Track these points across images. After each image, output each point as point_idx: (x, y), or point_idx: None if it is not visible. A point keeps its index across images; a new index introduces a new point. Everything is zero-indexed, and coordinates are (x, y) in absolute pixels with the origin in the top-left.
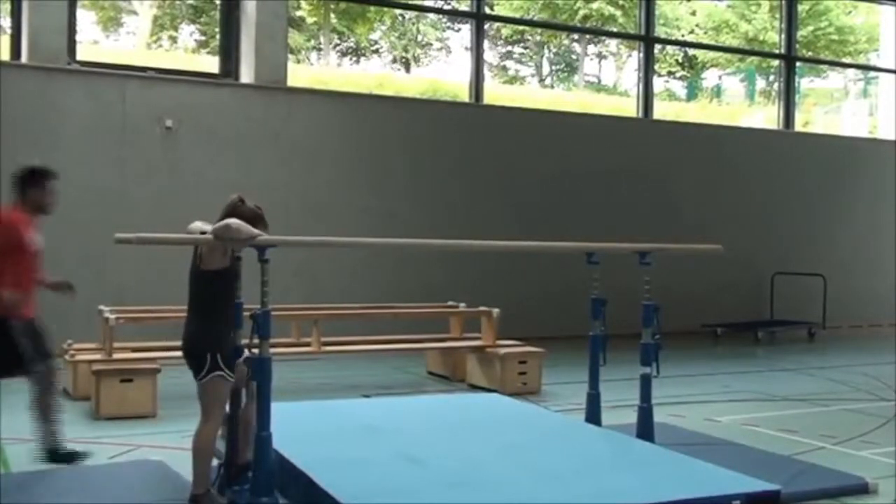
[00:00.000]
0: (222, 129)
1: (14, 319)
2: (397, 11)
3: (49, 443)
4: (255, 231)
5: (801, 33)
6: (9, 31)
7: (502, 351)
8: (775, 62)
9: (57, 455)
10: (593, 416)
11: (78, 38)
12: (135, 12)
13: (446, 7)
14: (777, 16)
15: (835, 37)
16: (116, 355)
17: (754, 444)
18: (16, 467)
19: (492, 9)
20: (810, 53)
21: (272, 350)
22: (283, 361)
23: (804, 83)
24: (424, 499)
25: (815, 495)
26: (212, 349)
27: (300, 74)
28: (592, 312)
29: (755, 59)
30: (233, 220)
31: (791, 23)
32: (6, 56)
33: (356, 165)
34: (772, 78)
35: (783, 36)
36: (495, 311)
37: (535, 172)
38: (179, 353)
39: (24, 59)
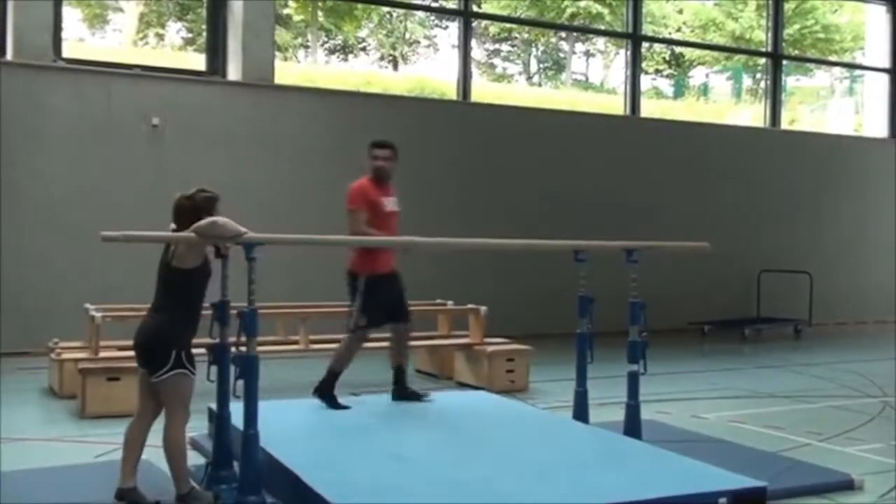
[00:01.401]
0: (209, 127)
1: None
2: (385, 9)
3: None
4: (241, 228)
5: (788, 31)
6: None
7: (490, 349)
8: (762, 60)
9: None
10: (581, 413)
11: (64, 35)
12: (121, 9)
13: (434, 5)
14: (764, 14)
15: (821, 35)
16: (103, 354)
17: (740, 440)
18: (3, 466)
19: (479, 6)
20: (797, 52)
21: (259, 348)
22: (271, 360)
23: (790, 81)
24: (412, 497)
25: (802, 492)
26: (177, 346)
27: (288, 72)
28: (580, 310)
29: (742, 58)
30: (219, 218)
31: (777, 21)
32: None
33: (344, 163)
34: (758, 76)
35: (770, 34)
36: (483, 308)
37: (523, 170)
38: None
39: (9, 56)
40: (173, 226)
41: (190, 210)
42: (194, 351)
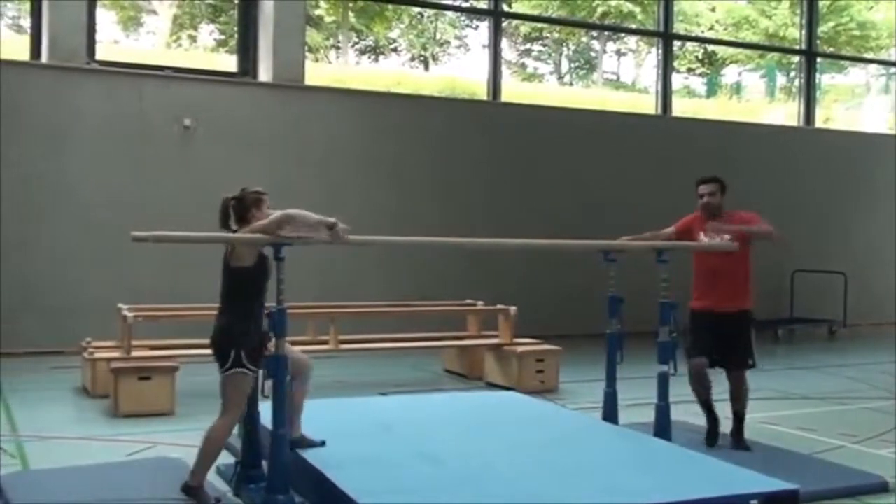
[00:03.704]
0: (240, 128)
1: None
2: (415, 10)
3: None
4: (318, 217)
5: (822, 29)
6: (29, 30)
7: (519, 349)
8: (796, 58)
9: None
10: (610, 414)
11: (98, 38)
12: (154, 12)
13: (464, 5)
14: (798, 11)
15: (856, 32)
16: (135, 353)
17: (772, 442)
18: (34, 464)
19: (510, 6)
20: (831, 49)
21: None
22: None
23: (825, 79)
24: (439, 497)
25: (834, 495)
26: (236, 345)
27: (318, 73)
28: (609, 310)
29: (775, 56)
30: (295, 211)
31: (812, 18)
32: (26, 56)
33: (373, 163)
34: (792, 74)
35: (804, 32)
36: (512, 308)
37: (552, 170)
38: (197, 351)
39: (43, 58)
40: (234, 227)
41: (239, 210)
42: None
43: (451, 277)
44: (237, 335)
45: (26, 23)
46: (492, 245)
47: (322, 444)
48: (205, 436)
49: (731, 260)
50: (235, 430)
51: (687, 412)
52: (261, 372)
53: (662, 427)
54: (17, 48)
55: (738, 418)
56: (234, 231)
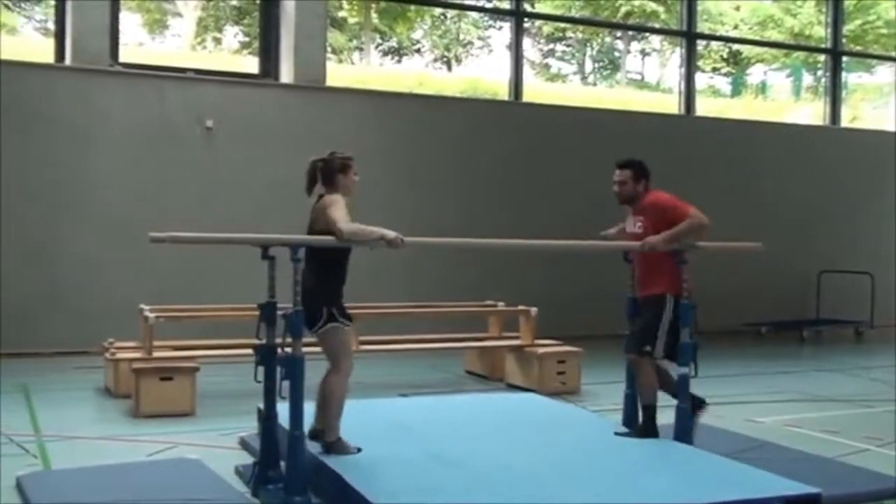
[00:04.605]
0: (262, 130)
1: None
2: (438, 10)
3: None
4: (379, 233)
5: (849, 27)
6: (53, 33)
7: (541, 350)
8: (822, 57)
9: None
10: (631, 416)
11: (123, 40)
12: (179, 14)
13: (487, 5)
14: (823, 10)
15: (883, 31)
16: (156, 354)
17: (796, 445)
18: (56, 464)
19: (532, 6)
20: (858, 48)
21: (310, 349)
22: (320, 361)
23: (852, 78)
24: (456, 499)
25: (858, 499)
26: (327, 303)
27: (341, 74)
28: (629, 312)
29: (801, 55)
30: (357, 227)
31: (837, 17)
32: (51, 58)
33: (394, 164)
34: (818, 73)
35: (829, 30)
36: (533, 309)
37: (574, 170)
38: (218, 352)
39: (67, 61)
40: (321, 191)
41: (326, 173)
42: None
43: (472, 278)
44: (327, 294)
45: (53, 26)
46: (515, 247)
47: (358, 450)
48: (322, 392)
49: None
50: (255, 430)
51: (707, 415)
52: (278, 372)
53: (683, 429)
54: (45, 51)
55: (644, 411)
56: (321, 196)
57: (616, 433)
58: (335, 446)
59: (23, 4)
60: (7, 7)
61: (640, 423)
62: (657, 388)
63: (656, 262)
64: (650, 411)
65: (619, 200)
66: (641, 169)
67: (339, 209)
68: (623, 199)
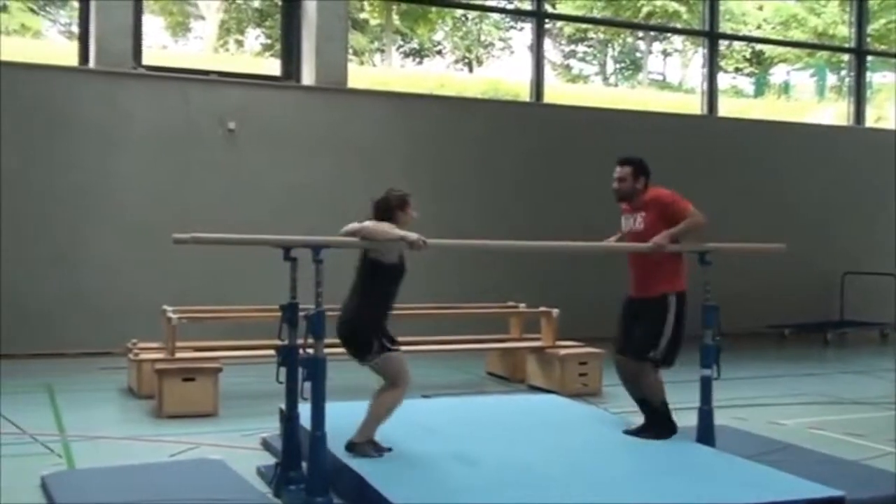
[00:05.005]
0: (283, 132)
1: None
2: (459, 12)
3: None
4: (401, 234)
5: (873, 27)
6: (77, 36)
7: (562, 352)
8: (846, 57)
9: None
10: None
11: (147, 43)
12: (202, 17)
13: (509, 6)
14: (847, 9)
15: None
16: (179, 354)
17: (819, 448)
18: (80, 464)
19: (554, 7)
20: (883, 47)
21: (333, 350)
22: (342, 362)
23: (876, 78)
24: (478, 500)
25: (882, 502)
26: (375, 334)
27: (363, 76)
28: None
29: (825, 54)
30: (372, 226)
31: (861, 16)
32: (74, 61)
33: (415, 165)
34: (842, 73)
35: (853, 30)
36: (555, 311)
37: (595, 171)
38: (240, 353)
39: (91, 64)
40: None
41: (384, 209)
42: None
43: (494, 279)
44: (373, 324)
45: (77, 29)
46: (537, 248)
47: (389, 450)
48: (375, 400)
49: (641, 240)
50: (277, 431)
51: (731, 417)
52: (300, 373)
53: (706, 432)
54: (69, 54)
55: (646, 409)
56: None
57: (625, 431)
58: (360, 448)
59: (48, 8)
60: (32, 11)
61: (654, 422)
62: (662, 384)
63: (657, 261)
64: (664, 406)
65: (616, 197)
66: (642, 166)
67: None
68: (621, 195)
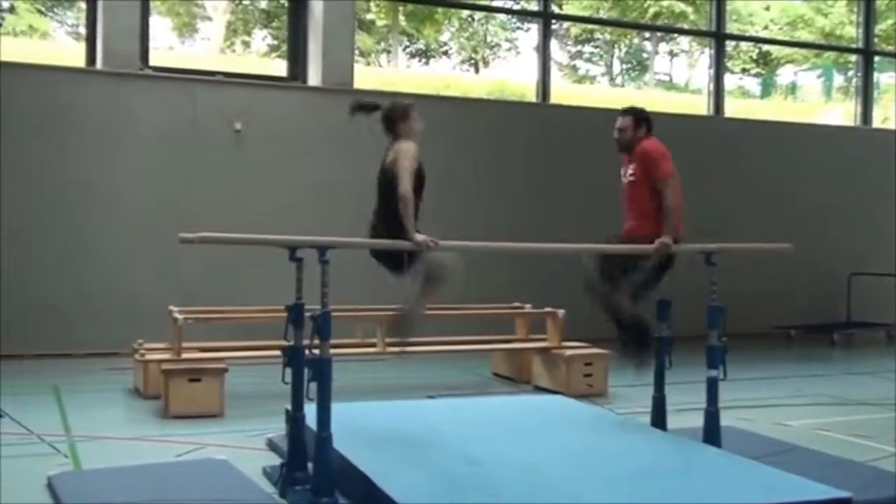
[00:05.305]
0: (290, 132)
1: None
2: (465, 13)
3: None
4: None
5: (881, 27)
6: (84, 37)
7: (568, 352)
8: (853, 57)
9: None
10: (658, 419)
11: (154, 44)
12: (209, 18)
13: (515, 7)
14: (854, 10)
15: None
16: (185, 355)
17: (825, 449)
18: (86, 464)
19: (560, 8)
20: (890, 48)
21: (337, 351)
22: (348, 362)
23: (884, 78)
24: (483, 501)
25: (889, 503)
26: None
27: (369, 77)
28: (658, 314)
29: (832, 55)
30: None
31: (869, 16)
32: (82, 62)
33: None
34: (850, 74)
35: (861, 30)
36: (561, 312)
37: (602, 172)
38: (247, 353)
39: (98, 65)
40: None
41: (387, 121)
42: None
43: (499, 279)
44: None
45: (84, 30)
46: (544, 250)
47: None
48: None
49: (634, 189)
50: (282, 431)
51: (737, 418)
52: (306, 373)
53: (712, 433)
54: (76, 55)
55: (637, 327)
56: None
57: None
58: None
59: (55, 9)
60: (40, 12)
61: (629, 335)
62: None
63: (655, 206)
64: (644, 325)
65: (618, 147)
66: (643, 116)
67: (408, 161)
68: (622, 145)
